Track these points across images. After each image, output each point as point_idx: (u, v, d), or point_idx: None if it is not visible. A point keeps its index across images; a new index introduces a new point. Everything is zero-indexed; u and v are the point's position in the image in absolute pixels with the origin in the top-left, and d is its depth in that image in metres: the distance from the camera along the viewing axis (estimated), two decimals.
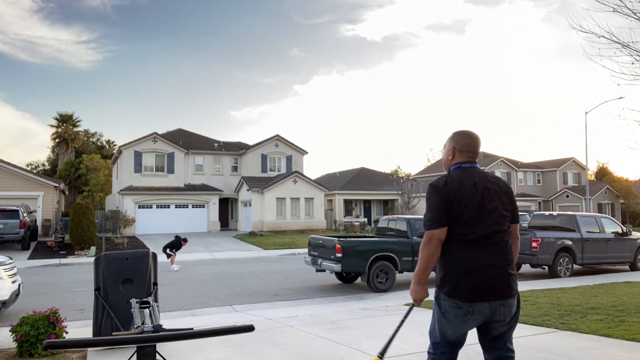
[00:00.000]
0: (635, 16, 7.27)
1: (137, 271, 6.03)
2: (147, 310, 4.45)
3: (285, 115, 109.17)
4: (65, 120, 51.82)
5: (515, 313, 3.01)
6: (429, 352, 3.12)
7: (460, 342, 3.05)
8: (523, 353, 5.23)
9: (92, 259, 13.21)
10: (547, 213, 15.98)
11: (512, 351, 3.08)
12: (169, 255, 16.53)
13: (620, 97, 23.68)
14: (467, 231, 2.90)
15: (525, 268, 14.97)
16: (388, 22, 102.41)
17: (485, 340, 3.10)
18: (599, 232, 13.95)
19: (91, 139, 58.31)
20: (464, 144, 3.07)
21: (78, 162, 45.97)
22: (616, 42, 7.54)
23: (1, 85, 78.50)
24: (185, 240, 17.24)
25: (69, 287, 12.55)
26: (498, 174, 47.56)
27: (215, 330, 3.25)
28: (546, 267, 13.42)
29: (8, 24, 77.54)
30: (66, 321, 6.07)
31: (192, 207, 33.95)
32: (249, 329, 3.33)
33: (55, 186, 29.61)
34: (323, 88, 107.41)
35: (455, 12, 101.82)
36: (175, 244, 16.82)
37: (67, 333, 5.89)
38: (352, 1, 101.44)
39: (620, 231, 14.38)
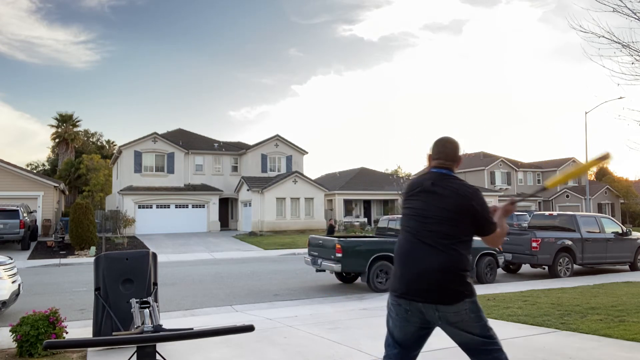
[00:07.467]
0: (635, 16, 7.26)
1: (137, 271, 6.02)
2: (147, 310, 4.45)
3: (284, 115, 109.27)
4: (65, 120, 51.80)
5: (467, 322, 2.86)
6: (383, 358, 3.05)
7: (410, 344, 2.96)
8: (523, 353, 5.23)
9: (92, 259, 13.19)
10: (547, 213, 16.00)
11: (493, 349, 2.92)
12: None
13: (620, 97, 23.62)
14: (407, 227, 3.07)
15: (525, 268, 14.97)
16: (385, 23, 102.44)
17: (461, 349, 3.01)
18: (599, 232, 13.95)
19: (91, 139, 58.35)
20: (435, 151, 3.24)
21: (78, 162, 45.97)
22: (616, 42, 7.54)
23: (0, 86, 78.58)
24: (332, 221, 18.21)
25: (69, 287, 12.55)
26: (498, 174, 47.54)
27: (215, 330, 3.25)
28: (546, 267, 13.42)
29: (6, 24, 77.59)
30: (66, 321, 6.06)
31: (192, 207, 33.94)
32: (249, 329, 3.32)
33: (55, 186, 29.59)
34: (322, 88, 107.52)
35: (452, 13, 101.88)
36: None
37: (67, 333, 5.89)
38: (349, 1, 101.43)
39: (620, 231, 14.38)
